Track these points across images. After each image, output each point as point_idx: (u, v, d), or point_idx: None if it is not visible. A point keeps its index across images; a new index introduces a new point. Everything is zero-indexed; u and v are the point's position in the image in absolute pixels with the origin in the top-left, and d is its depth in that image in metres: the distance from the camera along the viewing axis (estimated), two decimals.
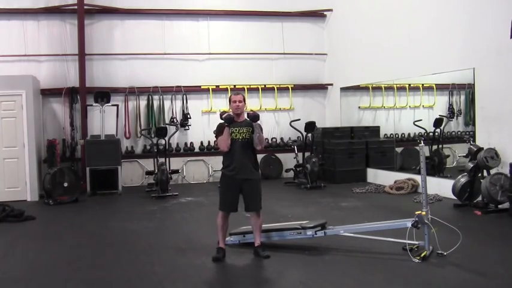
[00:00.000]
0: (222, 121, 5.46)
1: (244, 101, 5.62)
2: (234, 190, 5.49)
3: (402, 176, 10.01)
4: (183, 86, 11.92)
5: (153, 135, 10.93)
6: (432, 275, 4.75)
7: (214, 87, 12.09)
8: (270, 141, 12.44)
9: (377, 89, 11.74)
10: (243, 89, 12.07)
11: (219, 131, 5.50)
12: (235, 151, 5.47)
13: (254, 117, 5.53)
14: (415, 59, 9.65)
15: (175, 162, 11.29)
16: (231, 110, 5.66)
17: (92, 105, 11.03)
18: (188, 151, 12.00)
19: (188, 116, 11.85)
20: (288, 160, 12.02)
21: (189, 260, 5.48)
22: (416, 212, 5.27)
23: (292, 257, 5.47)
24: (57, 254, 5.92)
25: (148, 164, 11.32)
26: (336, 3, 12.59)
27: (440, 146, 10.03)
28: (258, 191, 5.59)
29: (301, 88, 12.83)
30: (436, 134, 10.06)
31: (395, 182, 9.85)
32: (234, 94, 5.65)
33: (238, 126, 5.50)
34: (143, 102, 11.74)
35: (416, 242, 5.34)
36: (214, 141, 11.68)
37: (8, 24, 10.96)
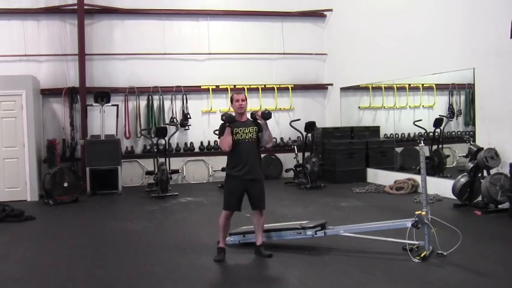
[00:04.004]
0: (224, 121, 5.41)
1: (246, 100, 5.59)
2: (240, 190, 5.47)
3: (402, 176, 10.01)
4: (183, 86, 11.91)
5: (153, 135, 10.91)
6: (432, 275, 4.75)
7: (214, 87, 12.09)
8: None
9: (377, 89, 11.74)
10: (243, 89, 12.07)
11: (221, 132, 5.44)
12: (241, 151, 5.42)
13: (268, 114, 5.44)
14: (415, 59, 9.64)
15: (175, 162, 11.28)
16: (233, 109, 5.59)
17: (92, 105, 11.03)
18: (188, 151, 12.00)
19: (188, 116, 11.84)
20: (288, 160, 12.01)
21: (189, 260, 5.48)
22: (416, 212, 5.27)
23: (292, 257, 5.47)
24: (57, 254, 5.92)
25: (148, 164, 11.32)
26: (336, 3, 12.58)
27: (440, 146, 10.03)
28: (263, 190, 5.60)
29: (301, 88, 12.83)
30: (436, 134, 10.06)
31: (395, 182, 9.85)
32: (236, 93, 5.59)
33: (243, 126, 5.45)
34: (143, 102, 11.74)
35: (416, 242, 5.34)
36: (215, 141, 11.71)
37: (8, 24, 10.96)
